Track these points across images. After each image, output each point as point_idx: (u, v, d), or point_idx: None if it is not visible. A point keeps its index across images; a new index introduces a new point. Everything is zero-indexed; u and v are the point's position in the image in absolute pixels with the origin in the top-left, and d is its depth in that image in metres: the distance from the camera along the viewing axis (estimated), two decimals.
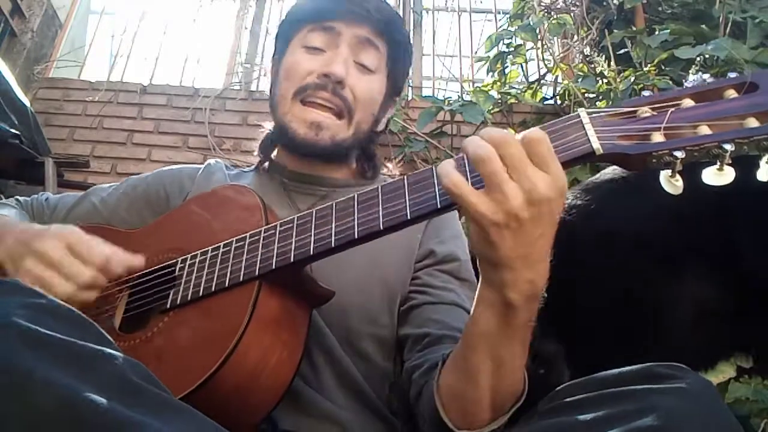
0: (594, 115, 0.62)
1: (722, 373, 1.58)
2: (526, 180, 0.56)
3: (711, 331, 1.32)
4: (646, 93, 0.63)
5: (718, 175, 0.58)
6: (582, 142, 0.60)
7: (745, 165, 0.59)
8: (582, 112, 0.63)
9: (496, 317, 0.63)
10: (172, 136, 3.00)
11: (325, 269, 0.78)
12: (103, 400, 0.47)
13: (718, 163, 0.57)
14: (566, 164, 0.60)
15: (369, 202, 0.70)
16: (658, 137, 0.59)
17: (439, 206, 0.64)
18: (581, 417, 0.58)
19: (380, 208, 0.68)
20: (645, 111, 0.61)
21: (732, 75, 0.61)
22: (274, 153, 1.08)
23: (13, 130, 2.26)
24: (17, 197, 1.07)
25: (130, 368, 0.53)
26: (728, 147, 0.56)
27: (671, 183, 0.59)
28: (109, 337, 0.58)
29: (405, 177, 0.69)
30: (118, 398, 0.49)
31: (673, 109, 0.60)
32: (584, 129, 0.61)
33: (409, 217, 0.66)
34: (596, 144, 0.60)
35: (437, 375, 0.72)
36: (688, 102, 0.60)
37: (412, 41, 3.52)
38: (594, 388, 0.62)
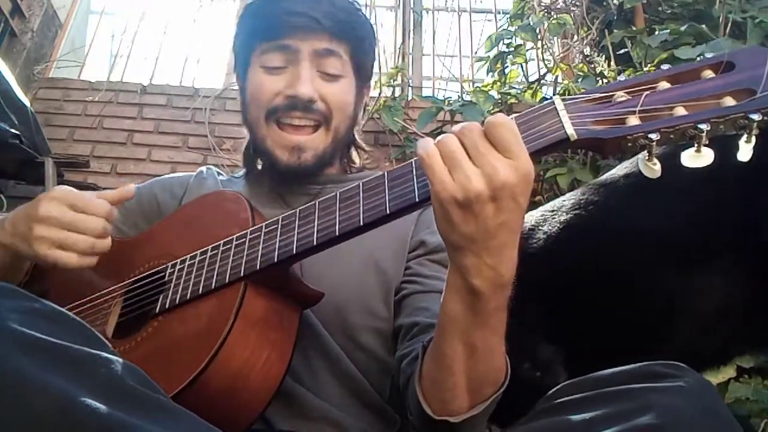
0: (569, 101, 0.62)
1: (722, 373, 1.58)
2: (487, 164, 0.57)
3: (730, 328, 1.30)
4: (622, 77, 0.63)
5: (695, 158, 0.57)
6: (556, 128, 0.60)
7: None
8: (557, 99, 0.63)
9: (463, 303, 0.63)
10: (172, 136, 3.00)
11: (321, 264, 0.78)
12: (99, 405, 0.47)
13: (696, 145, 0.57)
14: (542, 151, 0.61)
15: (350, 200, 0.70)
16: (633, 120, 0.58)
17: (417, 200, 0.64)
18: (579, 416, 0.58)
19: (361, 204, 0.68)
20: (620, 95, 0.61)
21: (709, 55, 0.60)
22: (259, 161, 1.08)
23: (13, 130, 2.27)
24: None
25: (127, 372, 0.53)
26: (704, 127, 0.55)
27: (648, 166, 0.58)
28: (106, 341, 0.58)
29: (385, 173, 0.69)
30: (115, 402, 0.48)
31: (648, 92, 0.59)
32: (558, 116, 0.61)
33: (388, 212, 0.66)
34: (570, 130, 0.60)
35: (419, 363, 0.72)
36: (664, 84, 0.60)
37: (412, 40, 3.55)
38: (592, 387, 0.62)
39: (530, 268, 1.38)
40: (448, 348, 0.66)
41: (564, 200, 1.47)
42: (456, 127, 0.60)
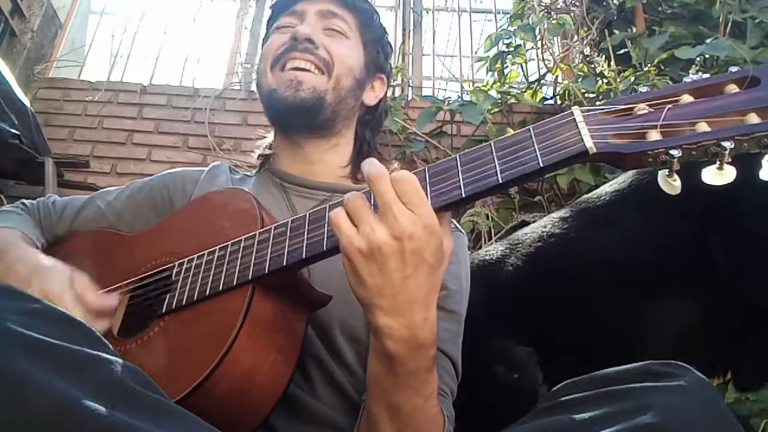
0: (589, 113, 0.60)
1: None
2: (390, 214, 0.58)
3: (690, 355, 1.33)
4: (643, 89, 0.61)
5: (717, 175, 0.55)
6: (575, 141, 0.59)
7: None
8: (576, 110, 0.61)
9: (382, 365, 0.65)
10: (172, 136, 3.00)
11: (313, 281, 0.78)
12: (99, 406, 0.47)
13: (718, 162, 0.55)
14: (559, 164, 0.59)
15: None
16: (654, 135, 0.57)
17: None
18: (580, 415, 0.58)
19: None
20: (642, 108, 0.59)
21: (734, 69, 0.59)
22: (272, 158, 1.08)
23: (13, 130, 2.26)
24: (23, 201, 1.06)
25: (128, 373, 0.53)
26: (727, 145, 0.53)
27: (668, 183, 0.57)
28: (106, 342, 0.57)
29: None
30: (115, 404, 0.48)
31: (670, 105, 0.58)
32: (578, 128, 0.59)
33: None
34: (589, 143, 0.58)
35: (359, 418, 0.74)
36: (686, 98, 0.58)
37: (412, 40, 3.55)
38: (593, 387, 0.62)
39: (502, 297, 1.42)
40: (374, 407, 0.69)
41: (526, 233, 1.55)
42: (366, 168, 0.61)
